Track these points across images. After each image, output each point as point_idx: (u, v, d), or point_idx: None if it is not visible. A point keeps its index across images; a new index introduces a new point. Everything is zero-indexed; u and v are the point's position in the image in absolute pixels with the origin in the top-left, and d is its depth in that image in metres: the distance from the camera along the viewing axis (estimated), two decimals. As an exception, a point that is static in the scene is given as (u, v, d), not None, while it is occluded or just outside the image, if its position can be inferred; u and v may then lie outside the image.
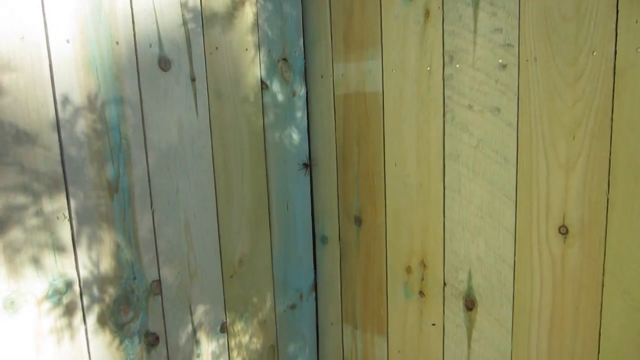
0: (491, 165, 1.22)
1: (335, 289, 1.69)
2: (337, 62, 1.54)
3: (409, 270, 1.45)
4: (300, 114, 1.60)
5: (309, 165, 1.65)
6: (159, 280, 1.28)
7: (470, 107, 1.24)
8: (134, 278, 1.23)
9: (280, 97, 1.54)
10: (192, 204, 1.34)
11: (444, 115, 1.30)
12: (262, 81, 1.48)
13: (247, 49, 1.43)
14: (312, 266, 1.71)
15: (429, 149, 1.34)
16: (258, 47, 1.46)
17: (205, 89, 1.34)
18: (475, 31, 1.21)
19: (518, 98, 1.16)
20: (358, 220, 1.57)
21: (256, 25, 1.45)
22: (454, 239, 1.32)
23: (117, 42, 1.16)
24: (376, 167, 1.48)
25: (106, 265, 1.18)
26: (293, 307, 1.66)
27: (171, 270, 1.31)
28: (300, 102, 1.60)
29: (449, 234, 1.33)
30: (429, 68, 1.31)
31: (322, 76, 1.59)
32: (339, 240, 1.65)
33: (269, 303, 1.58)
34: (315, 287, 1.73)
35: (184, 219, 1.32)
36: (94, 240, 1.15)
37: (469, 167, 1.26)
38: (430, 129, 1.33)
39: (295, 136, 1.60)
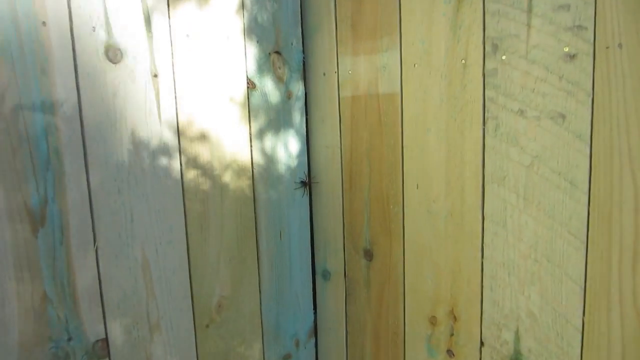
0: (551, 191, 0.90)
1: (339, 335, 1.37)
2: (344, 55, 1.22)
3: (433, 321, 1.12)
4: (297, 121, 1.29)
5: (307, 184, 1.33)
6: (106, 339, 0.97)
7: (521, 112, 0.92)
8: (69, 339, 0.92)
9: (272, 99, 1.22)
10: (153, 237, 1.03)
11: (484, 124, 0.98)
12: (248, 79, 1.17)
13: (228, 37, 1.12)
14: (312, 306, 1.39)
15: (463, 167, 1.02)
16: (244, 35, 1.15)
17: (172, 89, 1.03)
18: (529, 10, 0.89)
19: (593, 100, 0.84)
20: (368, 254, 1.25)
21: (242, 7, 1.14)
22: (496, 286, 1.00)
23: (44, 23, 0.85)
24: (392, 189, 1.17)
25: (28, 325, 0.87)
26: (287, 357, 1.34)
27: (123, 324, 0.99)
28: (297, 106, 1.28)
29: (490, 279, 1.01)
30: (463, 61, 0.99)
31: (324, 74, 1.28)
32: (345, 276, 1.33)
33: (257, 355, 1.26)
34: (315, 331, 1.41)
35: (141, 256, 1.01)
36: (8, 294, 0.84)
37: (518, 193, 0.94)
38: (465, 142, 1.01)
39: (291, 148, 1.28)
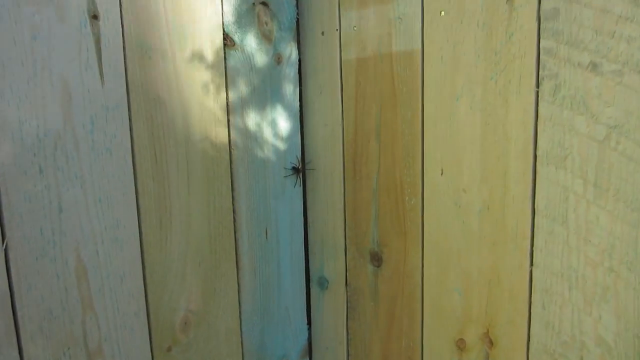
0: (636, 174, 0.65)
1: (338, 357, 1.12)
2: (347, 8, 0.97)
3: (462, 346, 0.87)
4: (288, 91, 1.04)
5: (301, 171, 1.09)
6: (23, 371, 0.71)
7: (594, 67, 0.66)
8: (-36, 373, 0.66)
9: (256, 62, 0.97)
10: (92, 234, 0.77)
11: (537, 85, 0.72)
12: (225, 34, 0.92)
13: (199, -23, 0.87)
14: (305, 321, 1.15)
15: (505, 144, 0.77)
16: (220, -23, 0.90)
17: (120, 36, 0.77)
18: None
19: None
20: (376, 258, 1.00)
21: (217, -59, 0.89)
22: (550, 302, 0.75)
23: None
24: (409, 176, 0.92)
25: None
26: (274, 384, 1.09)
27: (49, 351, 0.74)
28: (288, 73, 1.04)
29: (542, 293, 0.76)
30: (509, 1, 0.74)
31: (322, 33, 1.02)
32: (346, 285, 1.08)
33: (235, 383, 1.01)
34: (309, 352, 1.16)
35: (74, 259, 0.75)
36: None
37: (586, 178, 0.69)
38: (509, 111, 0.76)
39: (281, 125, 1.03)
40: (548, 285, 0.75)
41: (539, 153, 0.73)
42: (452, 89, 0.82)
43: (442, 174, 0.86)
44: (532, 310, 0.77)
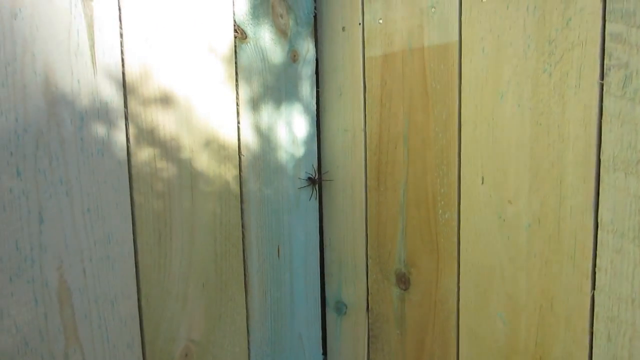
0: None
1: (357, 392, 1.00)
2: (372, 0, 0.88)
3: (506, 384, 0.75)
4: (305, 92, 0.94)
5: (317, 182, 0.98)
6: (-9, 414, 0.60)
7: (675, 52, 0.56)
8: None
9: (270, 57, 0.88)
10: (79, 250, 0.66)
11: (602, 77, 0.62)
12: (236, 25, 0.82)
13: (208, -39, 0.77)
14: (321, 351, 1.03)
15: (561, 148, 0.66)
16: (230, -38, 0.80)
17: (116, 19, 0.67)
18: None
19: None
20: (403, 280, 0.89)
21: None
22: (617, 334, 0.63)
23: None
24: (442, 186, 0.81)
25: None
26: (285, 423, 0.96)
27: (24, 388, 0.62)
28: (305, 72, 0.94)
29: (607, 322, 0.64)
30: (567, -18, 0.64)
31: (343, 28, 0.93)
32: (367, 311, 0.97)
33: (241, 422, 0.89)
34: (323, 385, 1.04)
35: (56, 280, 0.64)
36: None
37: (666, 186, 0.58)
38: (566, 108, 0.65)
39: (296, 129, 0.93)
40: (615, 313, 0.63)
41: (603, 157, 0.63)
42: (496, 85, 0.72)
43: (482, 182, 0.75)
44: (594, 343, 0.66)
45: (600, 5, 0.61)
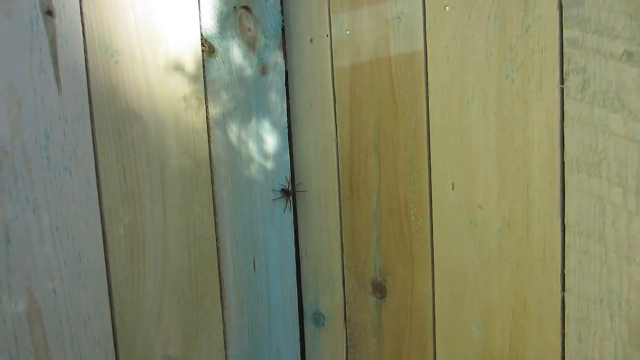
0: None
1: (338, 403, 1.00)
2: (338, 11, 0.89)
3: (483, 388, 0.76)
4: (275, 105, 0.95)
5: (290, 193, 0.98)
6: None
7: (629, 56, 0.58)
8: None
9: (239, 71, 0.88)
10: (48, 269, 0.65)
11: (562, 80, 0.64)
12: (203, 39, 0.83)
13: (173, -24, 0.78)
14: (299, 363, 1.03)
15: (527, 151, 0.67)
16: (196, -23, 0.81)
17: (79, 36, 0.67)
18: None
19: None
20: (379, 289, 0.90)
21: (193, -62, 0.80)
22: (588, 334, 0.64)
23: None
24: (414, 193, 0.82)
25: None
26: None
27: (-8, 413, 0.61)
28: (274, 84, 0.95)
29: (577, 323, 0.65)
30: (525, -10, 0.66)
31: (311, 40, 0.94)
32: (345, 321, 0.97)
33: None
34: (304, 398, 1.04)
35: (25, 301, 0.63)
36: None
37: (625, 186, 0.59)
38: (529, 112, 0.67)
39: (268, 143, 0.94)
40: (584, 314, 0.65)
41: (567, 159, 0.64)
42: (462, 91, 0.74)
43: (452, 188, 0.76)
44: (565, 344, 0.67)
45: (556, 13, 0.63)
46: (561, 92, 0.64)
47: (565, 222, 0.65)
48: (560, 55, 0.64)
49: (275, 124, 0.95)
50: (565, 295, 0.66)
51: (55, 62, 0.65)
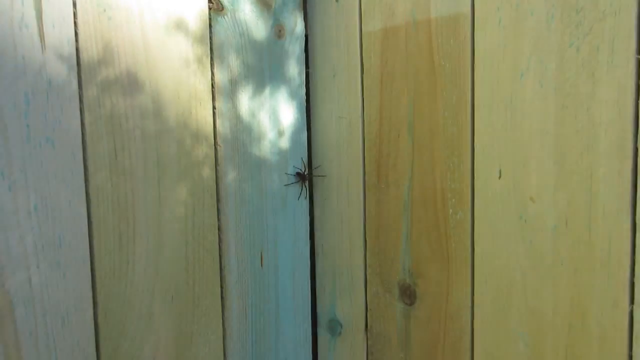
0: None
1: None
2: (371, -35, 0.89)
3: (528, 414, 0.75)
4: (292, 74, 0.95)
5: (307, 178, 1.00)
6: None
7: None
8: None
9: (251, 32, 0.88)
10: (23, 254, 0.66)
11: (639, 51, 0.62)
12: (211, -6, 0.82)
13: None
14: (311, 377, 1.03)
15: (592, 134, 0.66)
16: None
17: (67, -14, 0.67)
18: None
19: None
20: (408, 293, 0.90)
21: None
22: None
23: None
24: (453, 181, 0.81)
25: None
26: None
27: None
28: (292, 50, 0.95)
29: (646, 342, 0.64)
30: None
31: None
32: (366, 330, 0.98)
33: None
34: (315, 418, 1.05)
35: (-4, 290, 0.64)
36: None
37: None
38: (597, 87, 0.65)
39: (282, 117, 0.95)
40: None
41: (641, 144, 0.62)
42: (515, 62, 0.72)
43: (500, 176, 0.75)
44: (632, 364, 0.66)
45: (636, -34, 0.61)
46: (637, 64, 0.62)
47: (637, 221, 0.63)
48: (638, 19, 0.62)
49: (291, 96, 0.95)
50: (634, 308, 0.64)
51: (39, 17, 0.65)
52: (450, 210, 0.82)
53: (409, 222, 0.88)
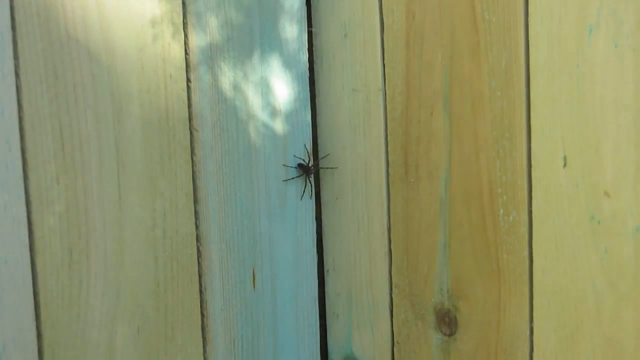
0: None
1: None
2: None
3: None
4: (290, 34, 1.01)
5: (312, 171, 1.05)
6: None
7: None
8: None
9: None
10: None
11: None
12: None
13: None
14: None
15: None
16: None
17: None
18: None
19: None
20: (447, 321, 0.95)
21: None
22: None
23: None
24: (504, 172, 0.86)
25: None
26: None
27: None
28: (291, 3, 1.01)
29: None
30: None
31: None
32: (393, 370, 1.03)
33: None
34: None
35: None
36: None
37: None
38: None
39: (278, 91, 1.00)
40: None
41: None
42: (581, 13, 0.76)
43: (564, 165, 0.79)
44: None
45: None
46: None
47: None
48: None
49: (290, 64, 1.00)
50: None
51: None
52: (501, 210, 0.86)
53: (447, 227, 0.92)
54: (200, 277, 0.92)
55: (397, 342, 1.01)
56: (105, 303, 0.82)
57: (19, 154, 0.74)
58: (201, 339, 0.92)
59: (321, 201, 1.08)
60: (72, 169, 0.79)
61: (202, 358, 0.92)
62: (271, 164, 0.99)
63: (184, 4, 0.87)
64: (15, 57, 0.73)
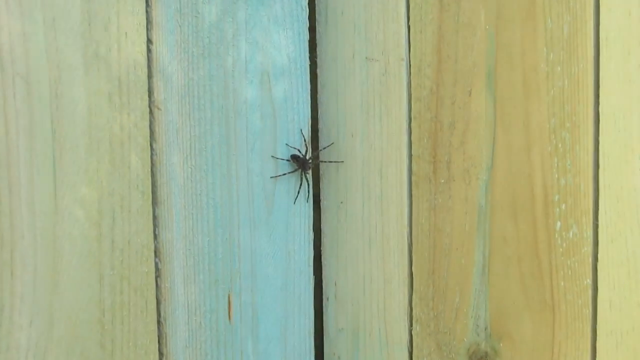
0: None
1: None
2: None
3: None
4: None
5: (309, 166, 1.08)
6: None
7: None
8: None
9: None
10: None
11: None
12: None
13: None
14: None
15: None
16: None
17: None
18: None
19: None
20: None
21: None
22: None
23: None
24: (562, 172, 0.91)
25: None
26: None
27: None
28: None
29: None
30: None
31: None
32: None
33: None
34: None
35: None
36: None
37: None
38: None
39: (267, 59, 1.03)
40: None
41: None
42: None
43: (643, 166, 0.84)
44: None
45: None
46: None
47: None
48: None
49: (284, 21, 1.04)
50: None
51: None
52: (559, 224, 0.90)
53: (486, 244, 0.96)
54: (158, 303, 0.95)
55: (418, 395, 1.06)
56: (33, 335, 0.86)
57: None
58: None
59: (321, 206, 1.11)
60: (-7, 157, 0.83)
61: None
62: (256, 154, 1.02)
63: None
64: None
